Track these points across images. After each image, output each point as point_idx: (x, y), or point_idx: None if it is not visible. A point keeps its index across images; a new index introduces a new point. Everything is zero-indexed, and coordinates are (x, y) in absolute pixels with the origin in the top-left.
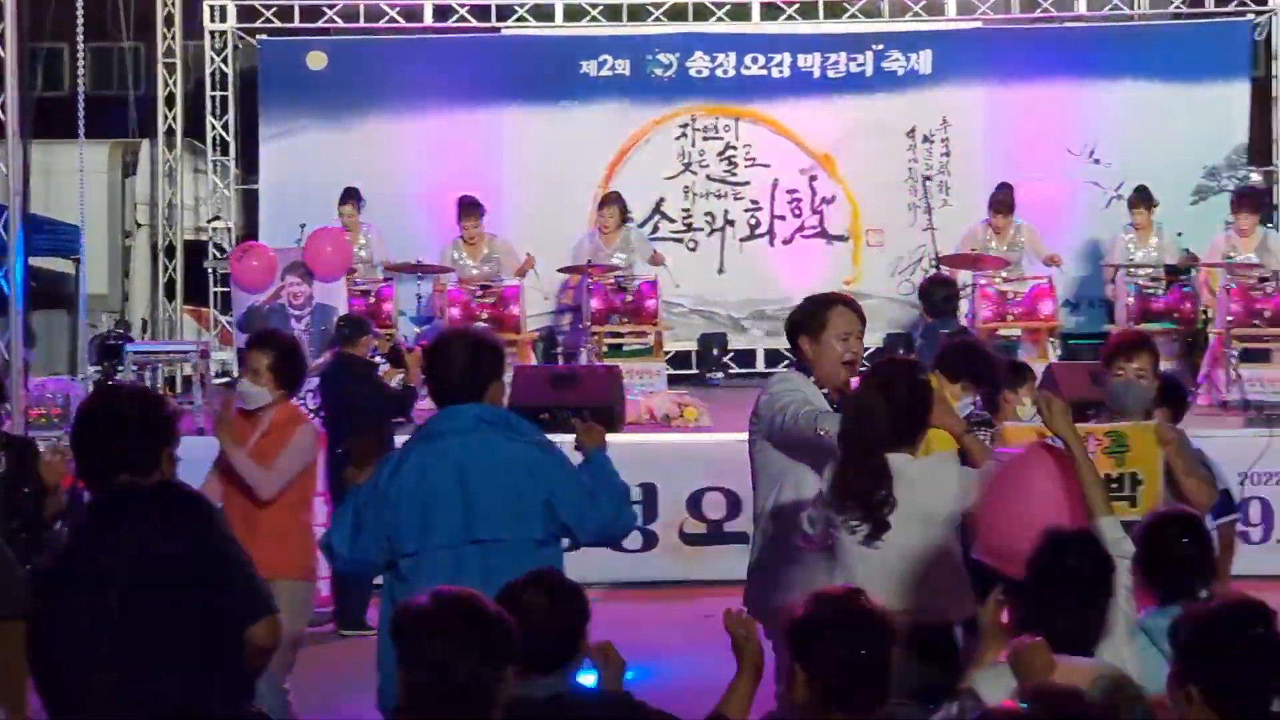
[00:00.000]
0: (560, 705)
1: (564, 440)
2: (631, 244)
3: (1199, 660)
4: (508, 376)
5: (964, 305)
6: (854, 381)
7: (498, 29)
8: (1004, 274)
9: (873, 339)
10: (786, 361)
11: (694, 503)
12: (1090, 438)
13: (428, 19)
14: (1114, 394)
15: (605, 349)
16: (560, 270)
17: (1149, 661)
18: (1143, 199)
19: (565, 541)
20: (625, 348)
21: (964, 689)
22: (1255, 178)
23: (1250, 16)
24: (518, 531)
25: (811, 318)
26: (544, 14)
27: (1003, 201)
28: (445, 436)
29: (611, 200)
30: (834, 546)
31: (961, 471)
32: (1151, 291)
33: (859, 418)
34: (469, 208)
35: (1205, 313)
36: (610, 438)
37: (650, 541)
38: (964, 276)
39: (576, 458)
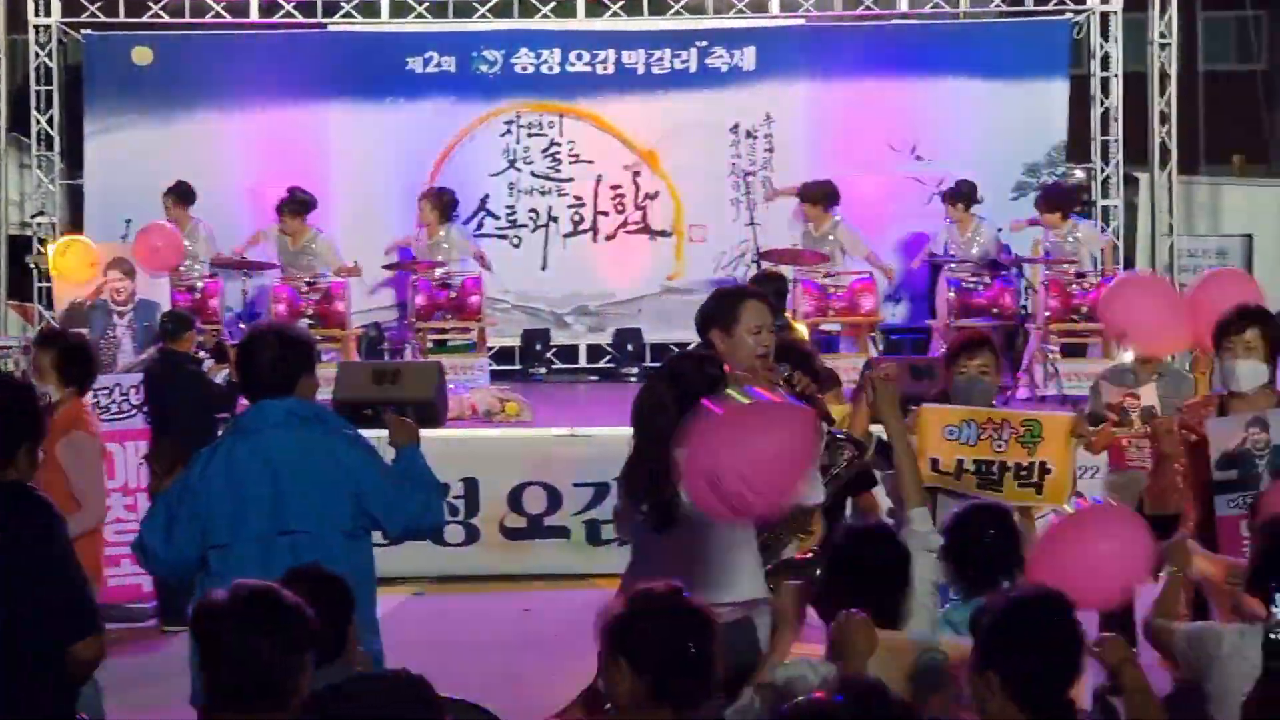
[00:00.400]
0: (340, 693)
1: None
2: (454, 240)
3: (999, 649)
4: (331, 372)
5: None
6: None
7: (324, 25)
8: (825, 269)
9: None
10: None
11: (515, 497)
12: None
13: (254, 15)
14: (958, 391)
15: (430, 345)
16: (385, 267)
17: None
18: (960, 195)
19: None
20: (449, 343)
21: (759, 682)
22: (1079, 174)
23: (1069, 15)
24: (326, 523)
25: (724, 311)
26: (370, 10)
27: (803, 193)
28: (257, 431)
29: (432, 196)
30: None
31: None
32: (972, 286)
33: (648, 410)
34: (294, 203)
35: (1026, 307)
36: (432, 433)
37: (472, 536)
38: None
39: (391, 453)
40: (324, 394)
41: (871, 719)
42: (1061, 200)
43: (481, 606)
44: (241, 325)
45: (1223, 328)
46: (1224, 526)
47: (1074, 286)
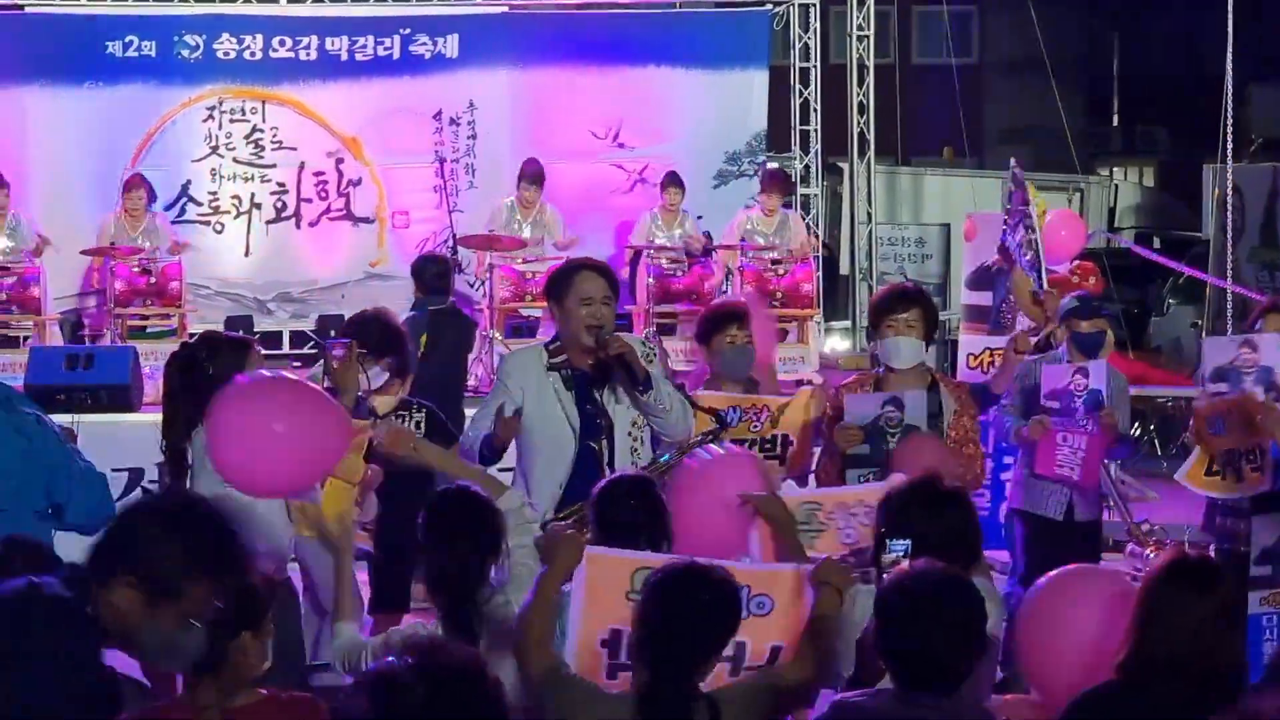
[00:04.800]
0: None
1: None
2: (156, 227)
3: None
4: (23, 358)
5: (484, 286)
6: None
7: (20, 7)
8: (524, 254)
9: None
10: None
11: None
12: (766, 408)
13: None
14: (727, 363)
15: (129, 332)
16: (83, 252)
17: None
18: (674, 182)
19: None
20: (150, 330)
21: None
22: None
23: (770, 7)
24: (20, 500)
25: (559, 282)
26: None
27: (535, 174)
28: None
29: (137, 183)
30: None
31: None
32: (671, 272)
33: (165, 395)
34: None
35: (727, 293)
36: (127, 417)
37: None
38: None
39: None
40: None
41: (438, 680)
42: (786, 184)
43: None
44: None
45: (883, 307)
46: None
47: (769, 273)
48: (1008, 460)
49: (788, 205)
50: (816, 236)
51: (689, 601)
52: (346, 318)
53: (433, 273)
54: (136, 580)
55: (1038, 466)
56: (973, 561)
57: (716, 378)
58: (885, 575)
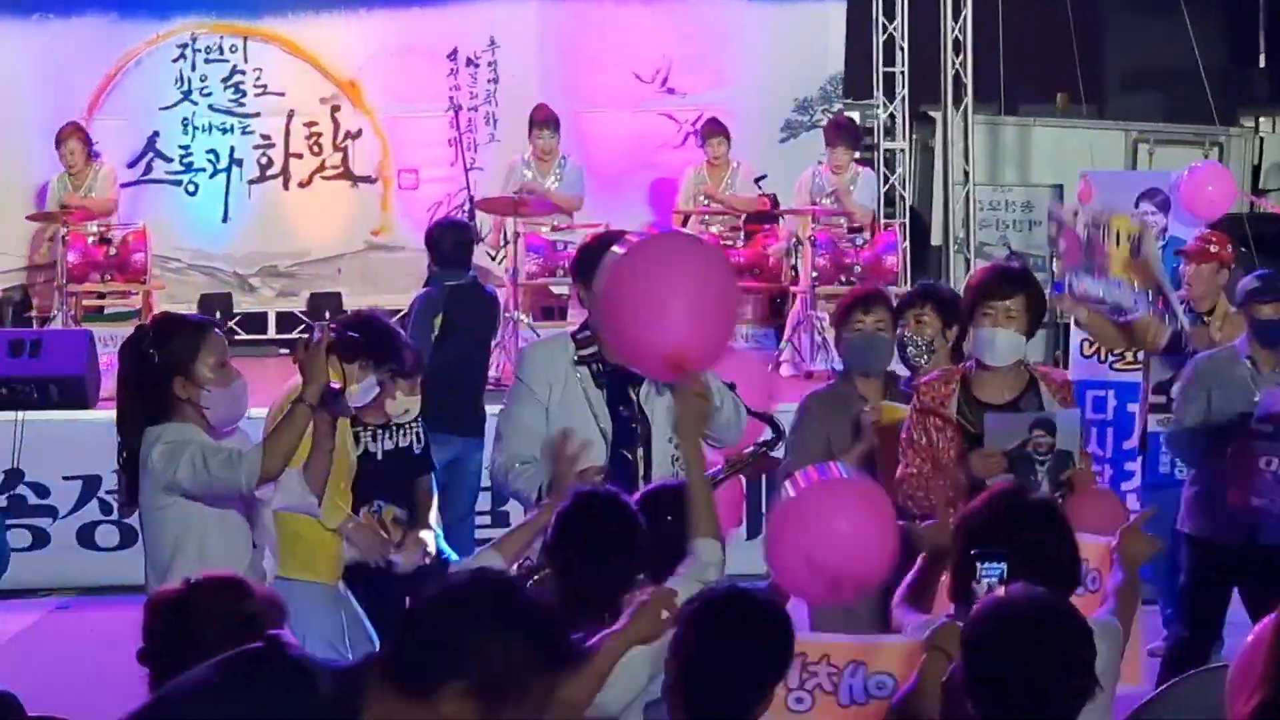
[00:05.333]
0: None
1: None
2: (99, 182)
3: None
4: None
5: (505, 258)
6: None
7: None
8: (554, 221)
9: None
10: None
11: None
12: None
13: None
14: (853, 351)
15: (84, 313)
16: (30, 218)
17: None
18: (717, 130)
19: None
20: (108, 310)
21: None
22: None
23: None
24: None
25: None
26: None
27: (547, 118)
28: None
29: (68, 134)
30: None
31: None
32: (729, 242)
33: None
34: None
35: (795, 268)
36: (82, 414)
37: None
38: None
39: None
40: None
41: None
42: (852, 133)
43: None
44: None
45: (983, 290)
46: None
47: (845, 243)
48: (1129, 467)
49: (865, 161)
50: (903, 198)
51: (733, 630)
52: (344, 296)
53: (452, 242)
54: (472, 686)
55: (1230, 496)
56: (1071, 586)
57: (849, 373)
58: (976, 603)
